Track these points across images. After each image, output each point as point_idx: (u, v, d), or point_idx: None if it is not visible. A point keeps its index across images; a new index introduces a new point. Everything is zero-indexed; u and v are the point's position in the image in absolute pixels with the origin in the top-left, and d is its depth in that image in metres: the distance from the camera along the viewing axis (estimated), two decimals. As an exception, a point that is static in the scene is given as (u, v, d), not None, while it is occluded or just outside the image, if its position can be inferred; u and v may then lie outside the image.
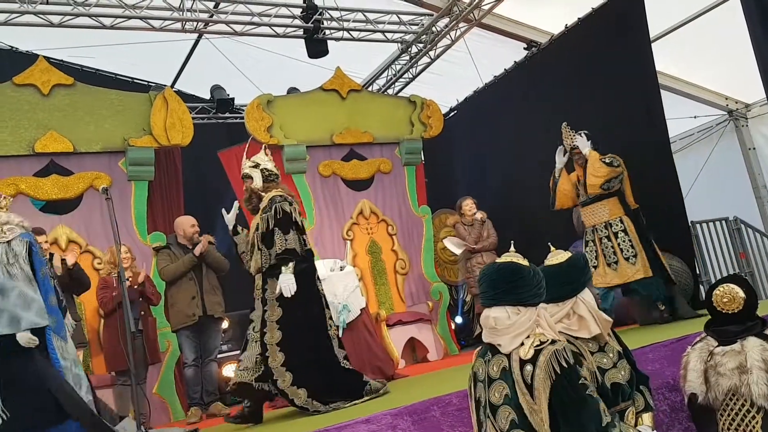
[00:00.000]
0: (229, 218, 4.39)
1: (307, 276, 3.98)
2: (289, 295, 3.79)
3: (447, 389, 3.17)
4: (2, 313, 3.29)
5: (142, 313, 5.40)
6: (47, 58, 6.32)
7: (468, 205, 7.00)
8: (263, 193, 4.15)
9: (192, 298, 5.46)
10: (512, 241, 2.58)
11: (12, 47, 7.70)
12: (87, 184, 6.16)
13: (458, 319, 8.16)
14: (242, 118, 7.74)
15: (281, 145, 6.91)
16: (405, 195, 7.62)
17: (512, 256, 2.39)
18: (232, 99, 8.15)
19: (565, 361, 2.13)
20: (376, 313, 6.66)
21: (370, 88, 8.77)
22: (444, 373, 4.73)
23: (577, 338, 2.46)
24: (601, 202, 5.39)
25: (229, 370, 6.85)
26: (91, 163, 6.23)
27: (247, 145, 4.53)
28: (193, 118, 6.93)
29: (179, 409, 5.95)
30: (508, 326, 2.21)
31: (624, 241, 5.29)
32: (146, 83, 8.22)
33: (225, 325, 6.39)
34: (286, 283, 3.80)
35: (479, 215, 6.89)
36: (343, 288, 5.21)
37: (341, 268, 5.47)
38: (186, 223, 5.65)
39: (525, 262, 2.34)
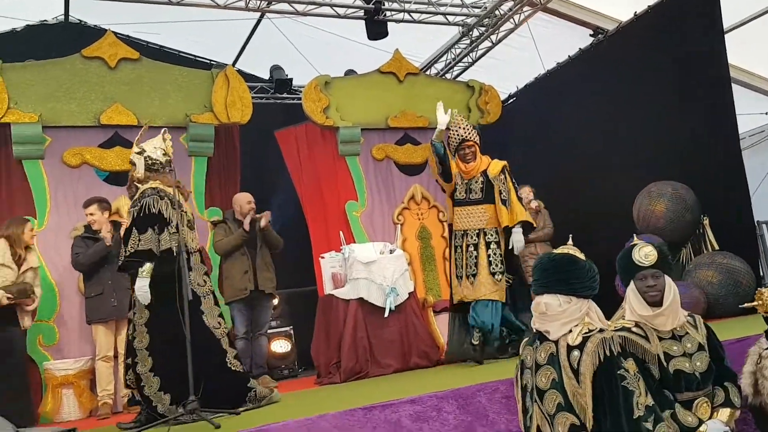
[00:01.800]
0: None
1: (172, 279, 3.59)
2: (145, 303, 3.55)
3: (493, 377, 3.14)
4: None
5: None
6: (115, 33, 6.50)
7: (524, 192, 6.69)
8: (140, 185, 3.86)
9: (245, 273, 5.57)
10: (570, 235, 2.64)
11: (81, 21, 7.95)
12: (149, 157, 6.32)
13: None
14: (299, 98, 7.81)
15: (336, 127, 6.93)
16: (458, 181, 7.54)
17: (569, 249, 2.47)
18: (291, 79, 8.21)
19: (610, 350, 2.22)
20: (424, 298, 6.64)
21: (427, 72, 8.70)
22: (491, 363, 4.68)
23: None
24: (482, 206, 4.92)
25: (277, 346, 6.99)
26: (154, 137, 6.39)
27: (141, 133, 4.09)
28: (252, 98, 7.02)
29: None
30: (558, 313, 2.31)
31: (495, 254, 4.83)
32: (208, 61, 8.36)
33: (275, 302, 6.50)
34: (140, 291, 3.54)
35: (535, 204, 6.69)
36: (392, 271, 5.21)
37: (390, 252, 5.47)
38: (243, 200, 5.76)
39: (581, 256, 2.43)
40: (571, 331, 2.28)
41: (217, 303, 3.86)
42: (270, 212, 5.82)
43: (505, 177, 4.94)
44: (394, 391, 3.29)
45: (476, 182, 4.97)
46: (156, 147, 3.95)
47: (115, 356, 5.13)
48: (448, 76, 8.81)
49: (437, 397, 2.90)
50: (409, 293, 5.30)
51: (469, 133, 5.00)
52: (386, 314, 5.02)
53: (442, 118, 5.04)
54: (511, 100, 8.87)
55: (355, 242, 6.31)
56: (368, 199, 7.03)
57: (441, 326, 6.57)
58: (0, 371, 4.64)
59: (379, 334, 5.04)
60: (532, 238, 6.53)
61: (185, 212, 3.86)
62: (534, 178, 7.52)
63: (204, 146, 6.56)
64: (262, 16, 7.75)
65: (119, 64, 6.27)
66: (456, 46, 8.60)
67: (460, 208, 5.02)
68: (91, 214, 5.09)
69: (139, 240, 3.55)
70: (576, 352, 2.23)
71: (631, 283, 2.62)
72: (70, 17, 7.83)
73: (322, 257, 5.72)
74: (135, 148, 3.96)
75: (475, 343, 4.69)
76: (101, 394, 5.02)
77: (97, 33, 7.05)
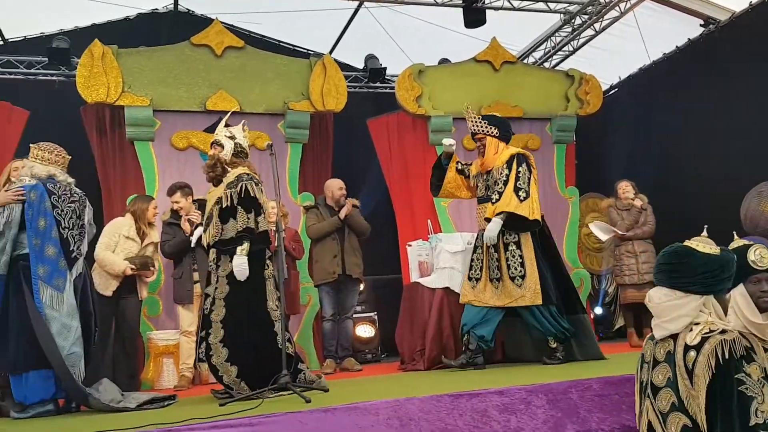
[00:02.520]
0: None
1: (259, 257, 3.87)
2: (243, 279, 3.74)
3: (587, 374, 3.05)
4: None
5: (286, 266, 5.70)
6: (221, 23, 6.77)
7: (623, 187, 6.43)
8: (228, 167, 4.03)
9: (333, 257, 5.70)
10: (705, 226, 2.48)
11: (189, 10, 8.34)
12: (251, 142, 6.51)
13: (598, 310, 7.81)
14: (392, 88, 7.86)
15: (428, 116, 6.93)
16: (552, 174, 7.36)
17: (698, 241, 2.33)
18: (384, 69, 8.26)
19: (730, 352, 2.09)
20: (511, 291, 6.54)
21: (525, 61, 8.50)
22: (580, 361, 4.55)
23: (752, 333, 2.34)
24: (486, 204, 4.63)
25: (361, 330, 7.10)
26: (255, 124, 6.61)
27: (227, 116, 4.36)
28: (346, 86, 7.13)
29: (315, 359, 6.28)
30: (664, 308, 2.22)
31: (514, 256, 4.42)
32: (305, 51, 8.56)
33: (361, 287, 6.61)
34: (239, 267, 3.73)
35: (638, 201, 6.33)
36: (480, 262, 5.15)
37: (480, 242, 5.41)
38: (335, 186, 5.87)
39: (701, 249, 2.27)
40: (691, 329, 2.18)
41: (277, 287, 3.95)
42: (353, 200, 5.89)
43: (510, 166, 4.52)
44: (481, 382, 3.27)
45: (489, 177, 4.68)
46: (244, 136, 4.18)
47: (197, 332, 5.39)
48: (546, 65, 8.58)
49: (526, 390, 2.86)
50: (497, 285, 5.21)
51: (477, 126, 4.73)
52: (472, 305, 4.96)
53: (447, 141, 4.95)
54: (613, 91, 8.54)
55: (441, 232, 6.30)
56: (457, 189, 6.97)
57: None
58: (116, 337, 5.04)
59: (465, 324, 5.00)
60: (630, 235, 6.29)
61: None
62: (636, 172, 7.21)
63: (300, 133, 6.74)
64: (360, 6, 7.83)
65: (225, 52, 6.54)
66: (556, 35, 8.35)
67: (478, 205, 4.87)
68: (176, 202, 5.30)
69: (248, 218, 3.78)
70: (692, 353, 2.13)
71: (740, 286, 2.45)
72: (179, 6, 8.22)
73: (409, 245, 5.75)
74: (225, 131, 4.11)
75: (471, 348, 4.48)
76: (181, 367, 5.28)
77: (204, 22, 7.38)
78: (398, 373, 4.89)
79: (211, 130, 6.52)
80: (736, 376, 2.07)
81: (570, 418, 2.81)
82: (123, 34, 7.42)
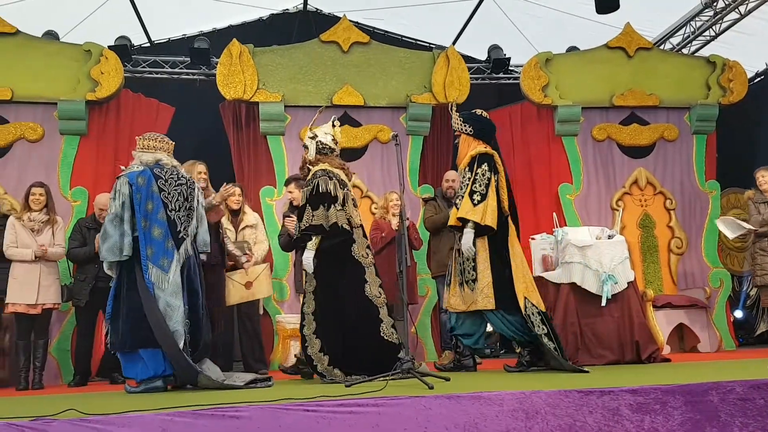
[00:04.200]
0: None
1: (340, 249, 3.95)
2: (310, 272, 3.87)
3: (728, 376, 2.83)
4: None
5: (405, 256, 5.75)
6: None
7: (762, 176, 5.82)
8: (311, 166, 4.13)
9: (450, 249, 5.63)
10: None
11: (318, 9, 8.65)
12: (372, 135, 6.73)
13: (738, 313, 7.26)
14: (515, 78, 7.71)
15: (554, 106, 6.73)
16: (690, 167, 6.91)
17: None
18: (508, 59, 8.11)
19: None
20: (643, 291, 6.20)
21: (661, 47, 8.01)
22: (720, 364, 4.24)
23: None
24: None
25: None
26: (377, 117, 6.78)
27: (316, 115, 4.41)
28: (469, 78, 7.07)
29: (433, 350, 6.32)
30: None
31: (467, 260, 4.23)
32: (427, 45, 8.60)
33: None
34: (306, 261, 3.89)
35: None
36: (609, 258, 4.92)
37: (609, 237, 5.17)
38: (452, 178, 5.84)
39: None
40: None
41: (378, 274, 4.04)
42: None
43: (471, 168, 4.27)
44: (614, 379, 3.14)
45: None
46: (326, 133, 4.22)
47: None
48: (684, 51, 8.03)
49: (662, 390, 2.69)
50: (629, 282, 4.97)
51: (454, 123, 4.49)
52: (603, 303, 4.77)
53: None
54: (759, 79, 7.87)
55: (566, 226, 6.10)
56: (584, 182, 6.74)
57: (661, 323, 6.12)
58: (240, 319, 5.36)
59: (592, 322, 4.81)
60: (760, 231, 5.71)
61: (350, 190, 4.15)
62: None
63: (421, 126, 6.79)
64: (484, -4, 7.75)
65: (351, 47, 6.74)
66: (696, 19, 7.79)
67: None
68: (290, 192, 5.46)
69: (312, 216, 3.92)
70: None
71: None
72: (308, 5, 8.55)
73: (533, 239, 5.61)
74: (309, 133, 4.24)
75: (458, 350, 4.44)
76: (294, 353, 5.49)
77: (331, 20, 7.64)
78: (520, 368, 4.79)
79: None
80: None
81: (709, 422, 2.62)
82: (257, 33, 7.87)
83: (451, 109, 4.60)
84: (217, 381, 3.68)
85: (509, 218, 4.35)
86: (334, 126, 4.28)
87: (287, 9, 8.56)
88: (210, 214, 4.49)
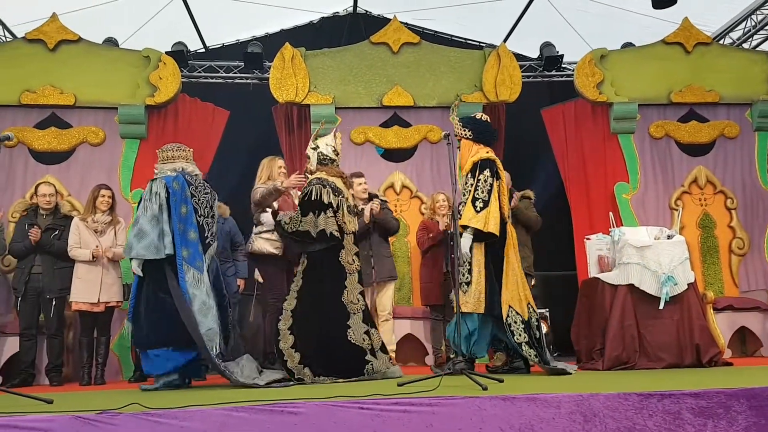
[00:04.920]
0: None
1: (328, 254, 4.20)
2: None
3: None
4: (128, 241, 3.98)
5: (452, 255, 5.71)
6: (396, 21, 6.99)
7: None
8: (310, 175, 4.39)
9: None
10: None
11: (367, 11, 8.70)
12: (422, 136, 6.73)
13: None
14: (568, 76, 7.59)
15: (610, 103, 6.58)
16: (752, 165, 6.66)
17: None
18: (561, 56, 7.98)
19: None
20: (703, 293, 6.00)
21: (721, 42, 7.74)
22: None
23: None
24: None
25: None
26: (427, 117, 6.77)
27: (318, 129, 4.60)
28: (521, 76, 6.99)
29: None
30: None
31: (464, 263, 4.23)
32: (477, 44, 8.54)
33: (533, 282, 6.45)
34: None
35: None
36: (669, 258, 4.78)
37: (668, 237, 5.02)
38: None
39: None
40: None
41: (360, 281, 4.25)
42: (526, 191, 5.71)
43: (474, 174, 4.28)
44: (674, 382, 3.05)
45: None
46: (327, 144, 4.44)
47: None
48: (745, 45, 7.74)
49: (726, 394, 2.61)
50: (689, 284, 4.81)
51: (455, 128, 4.48)
52: (661, 305, 4.64)
53: None
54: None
55: (622, 226, 5.96)
56: (641, 180, 6.58)
57: (722, 326, 5.92)
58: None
59: (650, 324, 4.68)
60: None
61: (346, 198, 4.35)
62: None
63: (472, 125, 6.73)
64: (536, -7, 7.65)
65: (401, 48, 6.76)
66: (758, 12, 7.49)
67: None
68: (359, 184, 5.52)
69: (301, 221, 4.18)
70: None
71: None
72: (358, 8, 8.61)
73: (588, 239, 5.49)
74: (311, 144, 4.47)
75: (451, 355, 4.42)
76: None
77: (380, 22, 7.67)
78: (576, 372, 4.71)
79: (386, 125, 6.79)
80: None
81: (779, 429, 2.52)
82: (308, 37, 7.98)
83: (452, 113, 4.65)
84: (239, 380, 3.77)
85: (508, 224, 4.36)
86: (335, 137, 4.53)
87: (337, 12, 8.65)
88: (270, 197, 4.66)
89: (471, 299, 4.20)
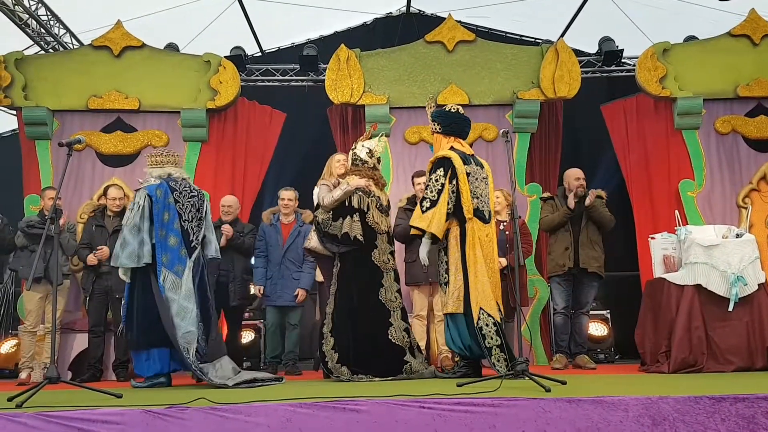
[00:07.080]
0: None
1: (359, 255, 4.32)
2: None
3: None
4: (115, 250, 4.12)
5: (511, 253, 5.62)
6: (451, 20, 6.94)
7: None
8: (341, 178, 4.54)
9: (565, 249, 5.48)
10: None
11: (420, 11, 8.69)
12: (477, 134, 6.67)
13: None
14: (628, 71, 7.40)
15: (674, 98, 6.38)
16: (824, 164, 6.32)
17: None
18: (621, 51, 7.77)
19: None
20: (773, 294, 5.74)
21: (791, 32, 7.38)
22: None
23: None
24: None
25: (593, 328, 6.78)
26: (482, 115, 6.71)
27: (369, 131, 4.79)
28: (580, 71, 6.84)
29: (542, 353, 6.16)
30: None
31: (442, 263, 4.17)
32: (533, 40, 8.41)
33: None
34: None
35: None
36: (738, 258, 4.58)
37: (737, 236, 4.82)
38: (571, 176, 5.66)
39: None
40: None
41: (397, 279, 4.38)
42: (598, 191, 5.57)
43: (431, 172, 4.14)
44: (745, 386, 2.92)
45: None
46: (363, 146, 4.57)
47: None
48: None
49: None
50: (760, 284, 4.60)
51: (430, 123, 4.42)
52: (730, 307, 4.46)
53: None
54: None
55: (687, 224, 5.76)
56: (707, 177, 6.35)
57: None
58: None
59: (719, 326, 4.50)
60: None
61: (378, 198, 4.47)
62: None
63: (528, 122, 6.65)
64: (594, -13, 7.48)
65: (456, 46, 6.72)
66: (832, -2, 7.11)
67: None
68: (419, 185, 5.51)
69: (331, 226, 4.37)
70: None
71: None
72: (411, 8, 8.61)
73: (652, 238, 5.32)
74: (354, 146, 4.65)
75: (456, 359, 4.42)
76: None
77: (433, 21, 7.64)
78: (639, 374, 4.58)
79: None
80: None
81: None
82: (362, 38, 8.02)
83: (428, 108, 4.54)
84: (211, 380, 3.88)
85: (471, 221, 4.10)
86: (380, 140, 4.65)
87: (390, 12, 8.68)
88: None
89: (450, 299, 4.09)
